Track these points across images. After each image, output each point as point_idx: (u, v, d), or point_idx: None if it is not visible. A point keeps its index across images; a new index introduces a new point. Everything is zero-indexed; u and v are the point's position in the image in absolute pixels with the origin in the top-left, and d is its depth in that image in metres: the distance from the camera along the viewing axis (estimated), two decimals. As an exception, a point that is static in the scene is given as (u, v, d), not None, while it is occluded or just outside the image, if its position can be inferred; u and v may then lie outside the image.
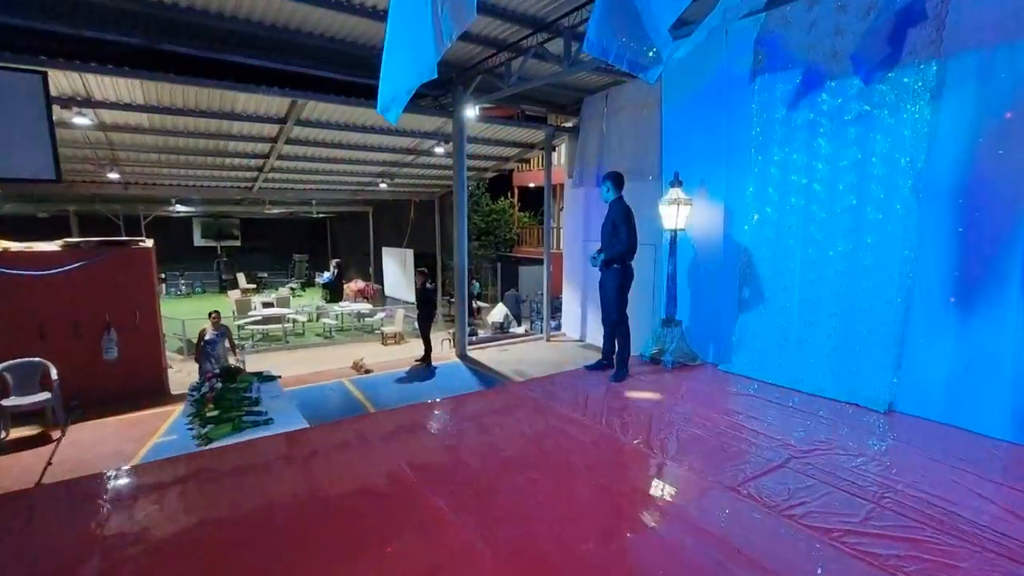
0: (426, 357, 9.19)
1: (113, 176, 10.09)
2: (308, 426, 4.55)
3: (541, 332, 12.16)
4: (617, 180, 4.79)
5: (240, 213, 23.75)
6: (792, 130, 4.54)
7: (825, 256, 4.40)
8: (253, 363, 12.77)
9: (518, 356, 9.83)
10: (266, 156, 10.46)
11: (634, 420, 3.97)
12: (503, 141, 11.35)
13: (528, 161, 13.52)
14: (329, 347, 14.29)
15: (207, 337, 7.25)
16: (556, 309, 12.29)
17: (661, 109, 9.13)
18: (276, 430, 4.38)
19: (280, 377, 5.82)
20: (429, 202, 16.88)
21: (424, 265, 19.44)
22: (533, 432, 3.91)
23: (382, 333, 14.74)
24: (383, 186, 13.73)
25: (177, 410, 7.08)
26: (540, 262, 20.63)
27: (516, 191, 22.71)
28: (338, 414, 6.84)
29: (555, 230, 20.94)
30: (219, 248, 25.18)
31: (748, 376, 4.99)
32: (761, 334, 4.97)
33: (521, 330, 11.90)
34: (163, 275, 23.42)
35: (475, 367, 9.09)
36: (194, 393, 5.20)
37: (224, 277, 24.20)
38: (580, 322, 11.22)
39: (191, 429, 4.40)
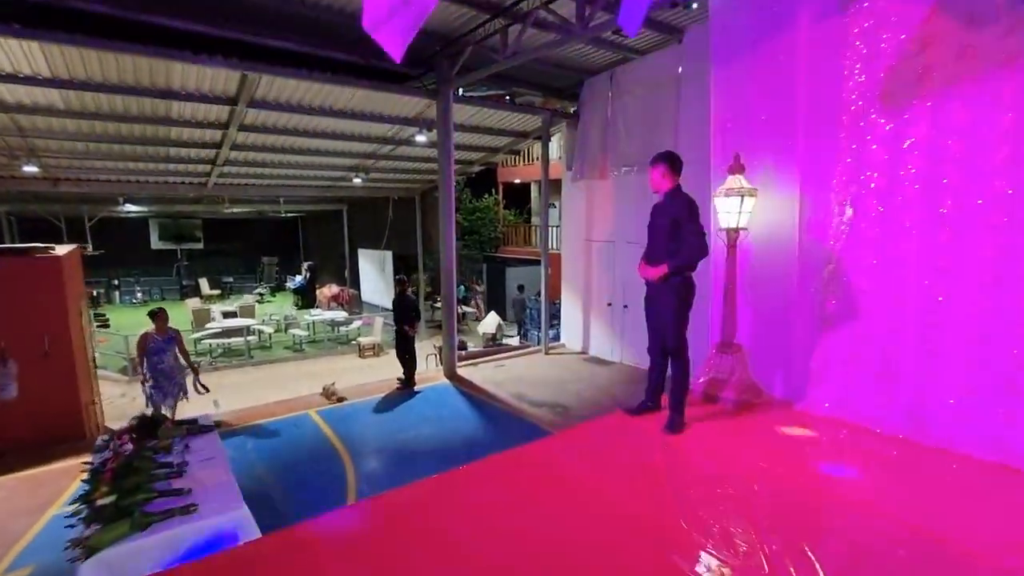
0: (408, 378, 7.86)
1: (31, 170, 8.48)
2: (246, 513, 3.20)
3: (538, 343, 10.92)
4: (674, 163, 3.55)
5: (202, 213, 21.91)
6: (910, 84, 3.35)
7: (959, 263, 3.23)
8: (210, 383, 11.22)
9: (516, 374, 8.57)
10: (218, 146, 8.97)
11: (718, 507, 2.75)
12: (493, 129, 10.06)
13: (518, 153, 12.28)
14: (299, 361, 12.82)
15: (150, 345, 5.75)
16: (553, 316, 11.06)
17: (678, 87, 8.03)
18: (201, 522, 3.04)
19: (219, 425, 4.44)
20: (409, 199, 15.48)
21: (405, 268, 18.10)
22: (557, 541, 2.65)
23: (359, 344, 13.34)
24: (357, 181, 12.29)
25: (96, 460, 5.61)
26: (528, 263, 19.42)
27: (500, 187, 21.39)
28: (303, 466, 5.47)
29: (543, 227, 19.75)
30: (179, 251, 23.26)
31: (833, 417, 3.82)
32: (854, 363, 3.80)
33: (515, 341, 10.64)
34: (116, 282, 21.52)
35: (467, 390, 7.79)
36: (91, 462, 3.80)
37: (185, 283, 22.34)
38: (582, 332, 10.01)
39: (72, 527, 3.03)
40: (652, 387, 3.94)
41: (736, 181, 4.00)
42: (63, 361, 6.01)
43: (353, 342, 13.79)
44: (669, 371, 3.87)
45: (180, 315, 17.08)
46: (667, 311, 3.53)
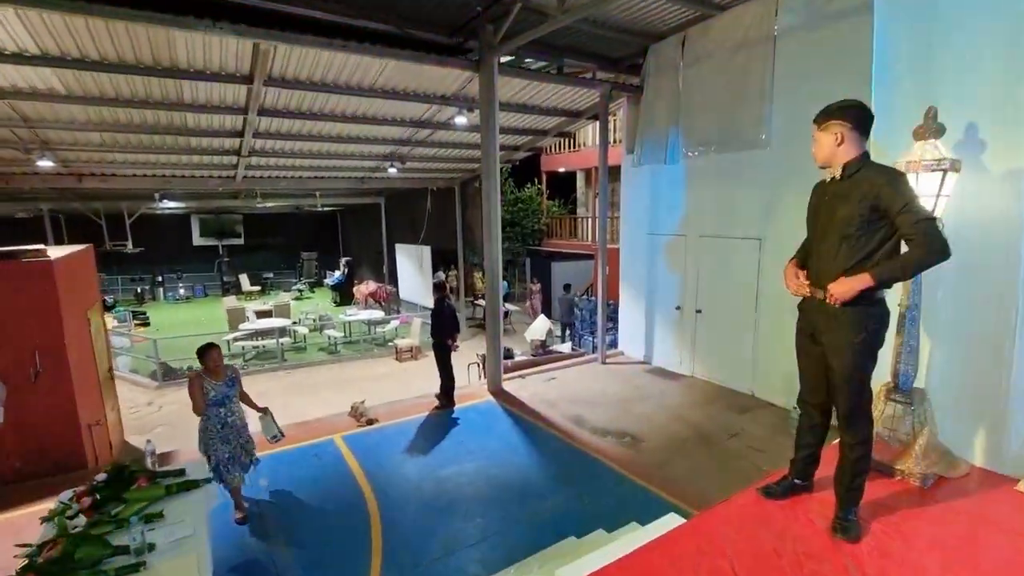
0: (446, 396, 6.82)
1: (46, 164, 7.89)
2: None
3: (592, 350, 9.70)
4: (860, 120, 2.22)
5: (241, 208, 21.68)
6: None
7: None
8: (244, 386, 10.48)
9: (571, 391, 7.39)
10: (239, 134, 8.15)
11: None
12: (541, 108, 8.83)
13: (569, 136, 11.00)
14: (333, 365, 12.07)
15: (210, 394, 4.34)
16: (609, 318, 9.78)
17: (773, 45, 6.57)
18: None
19: (208, 481, 3.48)
20: (448, 190, 14.45)
21: (444, 264, 17.15)
22: None
23: (396, 347, 12.47)
24: (392, 171, 11.33)
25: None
26: (575, 257, 18.11)
27: (544, 177, 20.12)
28: (318, 514, 4.50)
29: (590, 219, 18.39)
30: (220, 247, 23.18)
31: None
32: None
33: (565, 347, 9.46)
34: (160, 278, 21.59)
35: (515, 411, 6.68)
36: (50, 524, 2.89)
37: (226, 279, 22.21)
38: (644, 339, 8.72)
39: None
40: (804, 458, 2.66)
41: (931, 150, 2.66)
42: (58, 379, 5.25)
43: (391, 344, 12.94)
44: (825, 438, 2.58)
45: (217, 314, 16.79)
46: (847, 352, 2.24)
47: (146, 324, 16.24)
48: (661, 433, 5.95)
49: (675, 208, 7.96)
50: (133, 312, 16.45)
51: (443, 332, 6.63)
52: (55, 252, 6.02)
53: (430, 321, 6.77)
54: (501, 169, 19.96)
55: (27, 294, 5.05)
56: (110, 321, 14.36)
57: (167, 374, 10.71)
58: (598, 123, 8.63)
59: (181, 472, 3.59)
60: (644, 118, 8.00)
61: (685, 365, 8.03)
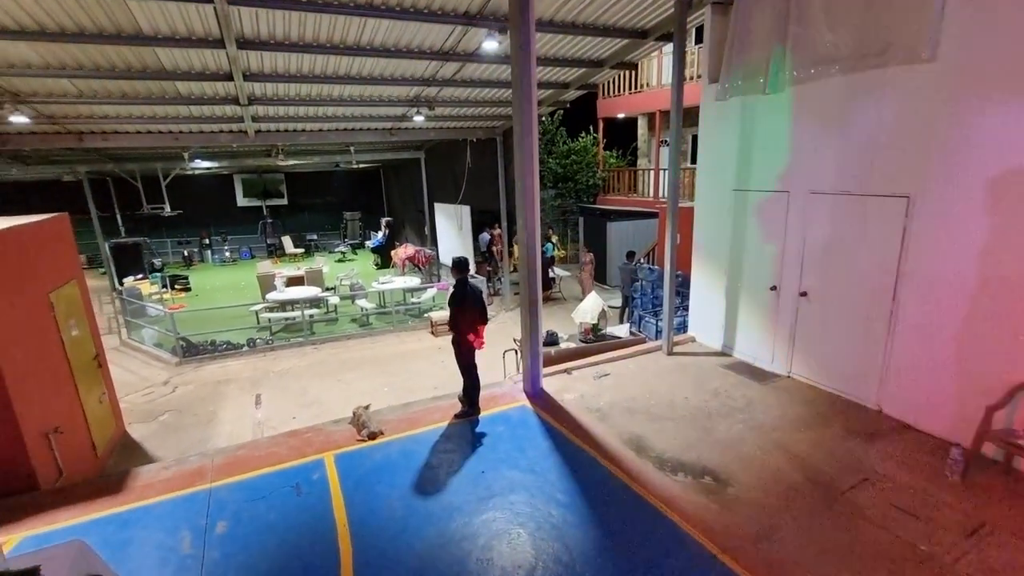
0: (470, 402, 5.43)
1: (20, 120, 6.90)
2: None
3: (655, 335, 7.98)
4: None
5: (284, 167, 20.91)
6: None
7: None
8: (261, 367, 9.82)
9: (628, 394, 5.81)
10: (228, 76, 6.77)
11: None
12: (595, 27, 6.84)
13: (630, 68, 8.86)
14: (364, 339, 11.04)
15: None
16: (677, 293, 7.97)
17: None
18: None
19: (37, 572, 2.27)
20: (489, 141, 12.70)
21: (487, 224, 15.50)
22: None
23: (431, 320, 11.24)
24: (419, 119, 9.73)
25: (36, 530, 3.87)
26: (634, 216, 15.93)
27: (601, 124, 17.82)
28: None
29: (652, 172, 16.08)
30: (264, 208, 22.71)
31: None
32: None
33: (622, 330, 7.79)
34: (207, 240, 21.46)
35: (556, 424, 5.20)
36: None
37: (269, 241, 21.79)
38: (723, 323, 6.91)
39: None
40: None
41: None
42: (-12, 387, 4.26)
43: (426, 316, 11.74)
44: None
45: (252, 279, 16.22)
46: None
47: (187, 289, 15.92)
48: (756, 471, 4.29)
49: (774, 155, 5.94)
50: (173, 277, 16.14)
51: (465, 325, 5.16)
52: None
53: (443, 312, 5.30)
54: (551, 115, 17.91)
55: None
56: (147, 288, 14.03)
57: (188, 350, 10.03)
58: (671, 45, 6.57)
59: (31, 573, 2.38)
60: (737, 33, 5.89)
61: (779, 362, 6.21)
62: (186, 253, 20.54)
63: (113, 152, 13.32)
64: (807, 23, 5.22)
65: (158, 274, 16.29)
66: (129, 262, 15.79)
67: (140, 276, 15.24)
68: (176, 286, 15.73)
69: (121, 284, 13.87)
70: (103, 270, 16.53)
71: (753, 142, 6.22)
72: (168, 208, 15.92)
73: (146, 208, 16.01)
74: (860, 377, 5.34)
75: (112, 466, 6.01)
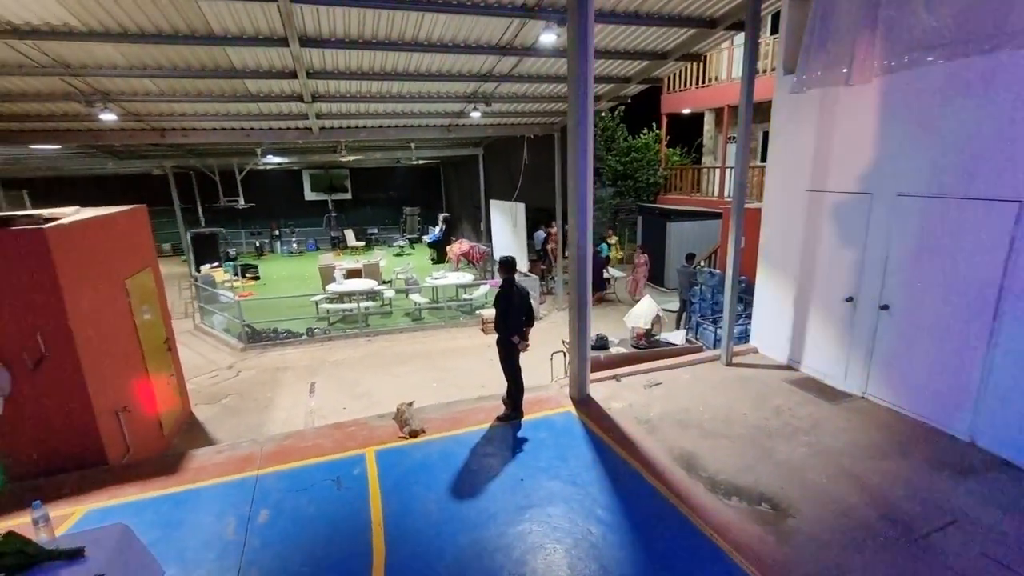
0: (512, 406, 5.31)
1: (109, 117, 7.45)
2: None
3: (713, 344, 7.53)
4: None
5: (348, 163, 21.67)
6: None
7: None
8: (317, 357, 10.14)
9: (681, 405, 5.48)
10: (292, 75, 6.99)
11: None
12: (659, 17, 6.48)
13: (697, 60, 8.37)
14: (416, 333, 11.20)
15: None
16: (739, 300, 7.48)
17: None
18: None
19: (81, 553, 2.34)
20: (547, 138, 12.50)
21: (541, 222, 15.36)
22: None
23: (481, 317, 11.24)
24: (476, 115, 9.69)
25: (100, 503, 4.14)
26: (696, 216, 15.20)
27: (665, 120, 17.15)
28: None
29: (718, 170, 15.26)
30: (329, 202, 23.63)
31: None
32: None
33: (677, 337, 7.39)
34: (277, 232, 22.57)
35: (601, 435, 4.97)
36: None
37: (333, 234, 22.66)
38: (789, 334, 6.39)
39: None
40: None
41: None
42: (63, 363, 4.58)
43: (478, 313, 11.74)
44: None
45: (314, 271, 16.86)
46: None
47: (256, 278, 16.82)
48: (821, 502, 3.89)
49: (856, 154, 5.39)
50: (245, 266, 17.08)
51: (509, 326, 5.03)
52: (85, 213, 5.39)
53: (495, 304, 5.19)
54: (611, 111, 17.41)
55: (19, 268, 4.33)
56: (221, 276, 14.93)
57: (252, 336, 10.54)
58: (742, 36, 6.12)
59: (78, 552, 2.48)
60: (819, 18, 5.37)
61: (853, 380, 5.64)
62: (258, 244, 21.74)
63: (193, 148, 14.24)
64: (902, 5, 4.66)
65: (231, 263, 17.29)
66: (207, 251, 16.89)
67: (215, 264, 16.27)
68: (247, 274, 16.65)
69: (198, 271, 14.85)
70: (184, 257, 17.77)
71: (832, 139, 5.67)
72: (242, 201, 16.86)
73: (223, 201, 17.06)
74: (950, 404, 4.75)
75: (177, 445, 6.36)
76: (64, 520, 3.96)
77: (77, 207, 5.70)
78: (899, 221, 5.02)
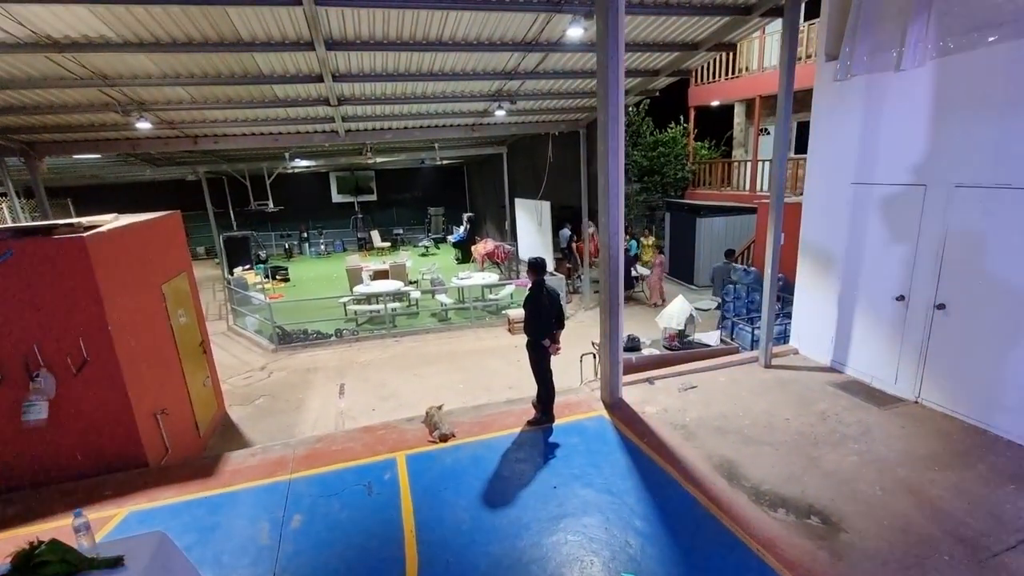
0: (543, 410, 5.18)
1: (144, 125, 7.62)
2: None
3: (751, 345, 7.26)
4: None
5: (374, 165, 21.88)
6: None
7: None
8: (346, 358, 10.22)
9: (718, 411, 5.26)
10: (318, 79, 7.00)
11: None
12: (690, 6, 6.24)
13: (729, 50, 8.08)
14: (442, 334, 11.18)
15: None
16: (778, 299, 7.18)
17: None
18: None
19: (121, 562, 2.33)
20: (572, 135, 12.31)
21: (567, 219, 15.15)
22: None
23: (508, 317, 11.15)
24: (500, 113, 9.58)
25: (140, 505, 4.20)
26: (727, 211, 14.74)
27: (692, 113, 16.73)
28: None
29: (750, 163, 14.80)
30: (356, 204, 23.91)
31: None
32: None
33: (712, 338, 7.14)
34: (306, 234, 22.93)
35: (635, 440, 4.81)
36: None
37: (360, 235, 22.91)
38: (833, 334, 6.10)
39: None
40: None
41: None
42: (104, 368, 4.67)
43: (504, 313, 11.66)
44: None
45: (341, 272, 17.04)
46: None
47: (287, 280, 17.11)
48: (876, 516, 3.65)
49: (907, 143, 5.07)
50: (275, 268, 17.39)
51: (539, 328, 4.92)
52: (122, 220, 5.50)
53: (520, 309, 5.08)
54: (637, 105, 17.06)
55: (60, 275, 4.42)
56: (252, 278, 15.22)
57: (283, 338, 10.69)
58: (776, 24, 5.85)
59: (117, 561, 2.47)
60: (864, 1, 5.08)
61: (905, 384, 5.33)
62: (287, 246, 22.14)
63: (224, 153, 14.54)
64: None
65: (262, 265, 17.63)
66: (239, 253, 17.26)
67: (247, 267, 16.61)
68: (277, 276, 16.95)
69: (231, 273, 15.18)
70: (218, 260, 18.22)
71: (879, 128, 5.36)
72: (272, 204, 17.18)
73: (253, 204, 17.41)
74: (1017, 409, 4.42)
75: (212, 445, 6.45)
76: (106, 522, 4.02)
77: (116, 214, 5.82)
78: (957, 214, 4.70)
